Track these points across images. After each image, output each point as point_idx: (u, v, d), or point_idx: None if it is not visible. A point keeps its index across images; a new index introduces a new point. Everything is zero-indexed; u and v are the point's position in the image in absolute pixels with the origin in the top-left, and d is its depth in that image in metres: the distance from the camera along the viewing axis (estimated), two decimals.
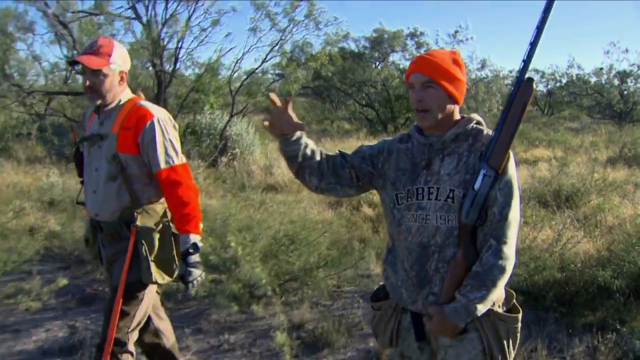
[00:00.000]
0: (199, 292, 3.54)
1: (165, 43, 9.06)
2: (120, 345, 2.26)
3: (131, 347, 2.33)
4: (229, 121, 9.20)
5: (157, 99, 9.49)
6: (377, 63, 17.51)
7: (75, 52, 9.30)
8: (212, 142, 8.88)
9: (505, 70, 22.19)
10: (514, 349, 1.74)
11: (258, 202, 5.04)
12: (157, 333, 2.53)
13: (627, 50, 22.01)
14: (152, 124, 2.22)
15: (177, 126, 2.38)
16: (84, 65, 2.19)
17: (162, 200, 2.34)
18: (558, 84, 27.33)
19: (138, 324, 2.35)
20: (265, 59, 9.44)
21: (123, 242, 2.27)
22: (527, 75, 1.64)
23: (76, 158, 2.44)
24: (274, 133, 1.77)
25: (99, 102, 2.25)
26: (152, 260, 2.25)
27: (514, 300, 1.78)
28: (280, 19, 9.15)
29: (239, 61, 9.54)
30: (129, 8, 9.78)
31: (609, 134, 14.56)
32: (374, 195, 5.77)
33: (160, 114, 2.28)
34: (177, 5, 9.81)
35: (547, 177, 7.14)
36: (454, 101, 1.69)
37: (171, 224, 2.37)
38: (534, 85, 1.65)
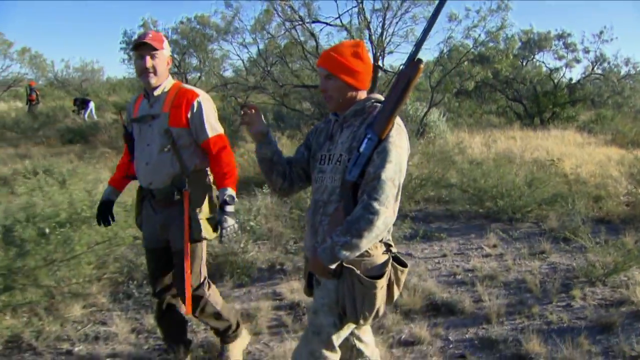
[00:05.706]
0: None
1: (384, 44, 11.71)
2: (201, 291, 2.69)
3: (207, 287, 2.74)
4: (427, 111, 11.89)
5: (371, 91, 12.23)
6: (525, 61, 19.16)
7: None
8: (414, 127, 11.51)
9: None
10: (369, 313, 1.87)
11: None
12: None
13: None
14: (200, 102, 2.58)
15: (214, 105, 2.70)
16: (149, 43, 2.47)
17: (204, 166, 2.66)
18: None
19: (204, 277, 2.72)
20: (459, 62, 11.95)
21: (175, 206, 2.60)
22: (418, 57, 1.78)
23: (127, 137, 2.75)
24: (251, 130, 2.01)
25: (154, 81, 2.55)
26: (200, 219, 2.59)
27: (386, 269, 1.91)
28: (475, 29, 11.65)
29: (437, 62, 12.10)
30: (337, 18, 12.42)
31: None
32: None
33: (203, 94, 2.63)
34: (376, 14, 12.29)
35: None
36: (354, 89, 1.92)
37: (213, 186, 2.69)
38: (421, 66, 1.78)
